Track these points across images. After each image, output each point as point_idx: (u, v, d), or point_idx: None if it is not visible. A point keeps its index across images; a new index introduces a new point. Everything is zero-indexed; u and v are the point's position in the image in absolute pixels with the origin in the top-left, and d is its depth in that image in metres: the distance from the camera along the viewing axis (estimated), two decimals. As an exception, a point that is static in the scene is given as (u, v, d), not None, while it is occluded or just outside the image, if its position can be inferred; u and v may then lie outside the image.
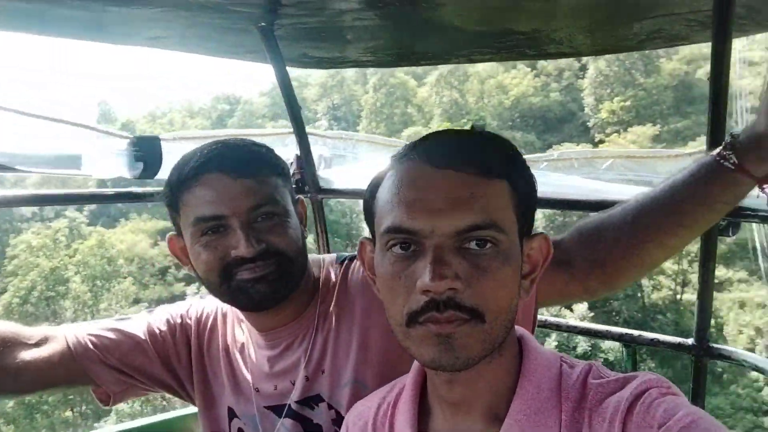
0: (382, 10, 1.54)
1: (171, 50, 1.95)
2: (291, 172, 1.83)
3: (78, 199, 1.94)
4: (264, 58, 1.91)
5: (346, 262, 1.33)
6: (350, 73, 51.02)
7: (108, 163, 1.64)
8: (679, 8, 1.48)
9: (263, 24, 1.71)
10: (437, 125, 38.83)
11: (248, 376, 1.30)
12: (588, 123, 40.77)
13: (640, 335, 1.70)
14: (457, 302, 0.75)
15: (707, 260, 1.54)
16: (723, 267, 25.81)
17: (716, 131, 1.42)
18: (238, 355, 1.33)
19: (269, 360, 1.28)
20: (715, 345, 1.55)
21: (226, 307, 1.37)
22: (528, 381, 0.83)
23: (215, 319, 1.38)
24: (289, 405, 1.26)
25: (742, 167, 0.96)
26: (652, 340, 1.67)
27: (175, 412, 1.92)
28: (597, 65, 40.45)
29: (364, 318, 1.23)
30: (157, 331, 1.35)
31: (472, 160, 0.79)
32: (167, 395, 1.49)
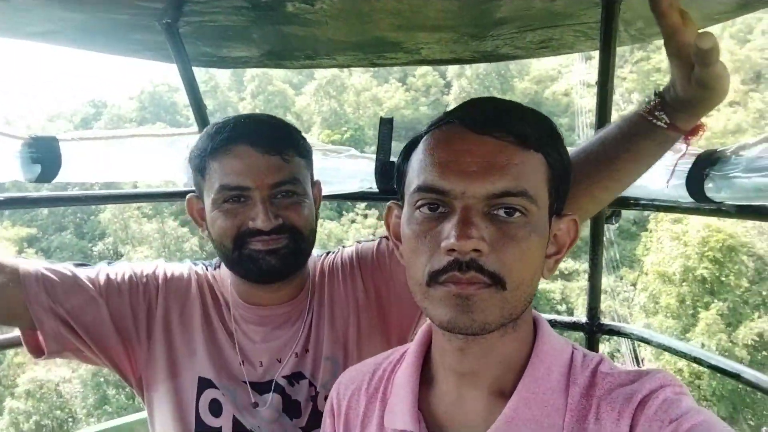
0: (288, 9, 1.50)
1: (65, 46, 1.79)
2: None
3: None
4: (166, 56, 1.80)
5: (323, 255, 1.41)
6: (224, 79, 49.57)
7: (1, 165, 1.47)
8: (569, 20, 1.58)
9: (168, 21, 1.62)
10: (318, 132, 39.03)
11: (233, 350, 1.26)
12: (453, 135, 42.61)
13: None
14: (479, 264, 0.73)
15: (596, 245, 1.66)
16: (571, 260, 27.69)
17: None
18: (221, 328, 1.28)
19: (260, 336, 1.28)
20: (605, 322, 1.68)
21: (203, 278, 1.33)
22: (540, 360, 0.82)
23: (188, 286, 1.31)
24: (276, 381, 1.25)
25: (673, 125, 1.00)
26: (549, 321, 1.77)
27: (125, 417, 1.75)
28: (460, 83, 42.46)
29: (329, 299, 1.32)
30: (116, 287, 1.24)
31: (511, 129, 0.77)
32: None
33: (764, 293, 16.84)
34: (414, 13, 1.54)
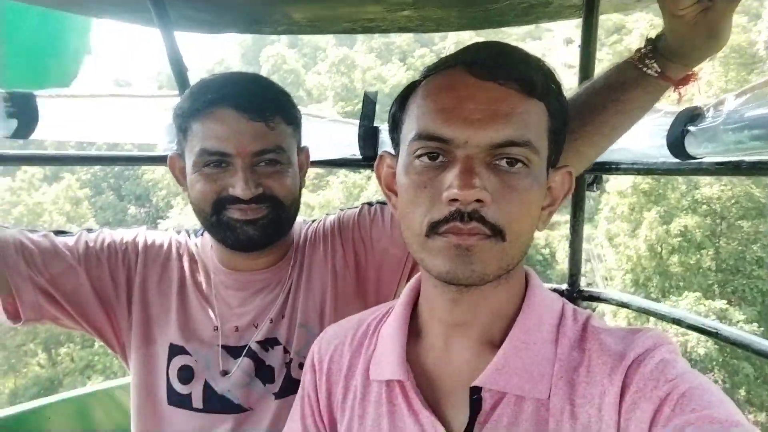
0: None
1: (33, 4, 1.66)
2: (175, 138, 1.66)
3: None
4: (147, 19, 1.68)
5: (309, 223, 1.35)
6: (235, 62, 49.51)
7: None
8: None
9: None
10: (332, 105, 40.44)
11: (208, 315, 1.20)
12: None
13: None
14: (481, 215, 0.69)
15: (577, 211, 1.58)
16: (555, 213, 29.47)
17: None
18: (194, 294, 1.23)
19: (237, 301, 1.21)
20: (586, 288, 1.61)
21: (183, 246, 1.27)
22: (531, 311, 0.78)
23: (168, 253, 1.26)
24: (249, 346, 1.19)
25: (663, 74, 0.93)
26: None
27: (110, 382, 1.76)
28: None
29: (308, 267, 1.26)
30: (95, 255, 1.19)
31: (516, 76, 0.71)
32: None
33: (690, 200, 22.72)
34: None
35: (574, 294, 1.62)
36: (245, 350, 1.19)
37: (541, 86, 0.73)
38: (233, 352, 1.20)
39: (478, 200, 0.68)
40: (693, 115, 1.12)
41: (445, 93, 0.73)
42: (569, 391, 0.73)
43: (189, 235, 1.31)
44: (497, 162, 0.71)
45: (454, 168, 0.70)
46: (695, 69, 0.94)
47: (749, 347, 1.22)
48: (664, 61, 0.92)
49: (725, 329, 1.25)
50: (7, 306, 1.13)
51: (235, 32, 1.91)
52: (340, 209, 1.36)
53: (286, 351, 1.20)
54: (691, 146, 1.14)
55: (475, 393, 0.76)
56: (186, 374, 1.19)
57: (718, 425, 0.61)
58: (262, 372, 1.19)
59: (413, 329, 0.85)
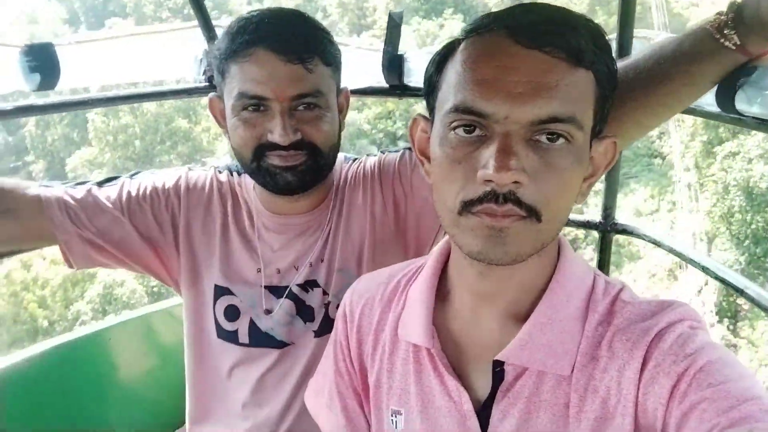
0: None
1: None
2: (202, 69, 1.60)
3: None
4: None
5: (350, 162, 1.31)
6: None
7: (5, 76, 1.38)
8: None
9: None
10: None
11: (251, 257, 1.24)
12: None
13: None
14: (518, 197, 0.65)
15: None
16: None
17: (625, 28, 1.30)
18: (237, 236, 1.25)
19: (278, 244, 1.24)
20: (619, 222, 1.54)
21: (225, 186, 1.28)
22: (560, 286, 0.76)
23: (210, 195, 1.27)
24: (290, 288, 1.22)
25: (743, 47, 0.81)
26: (562, 219, 1.64)
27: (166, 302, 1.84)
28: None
29: (347, 210, 1.24)
30: (137, 203, 1.21)
31: (564, 44, 0.65)
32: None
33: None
34: None
35: (608, 227, 1.55)
36: (286, 291, 1.23)
37: (590, 54, 0.66)
38: (276, 291, 1.23)
39: (515, 182, 0.64)
40: (749, 68, 0.97)
41: (485, 62, 0.66)
42: (592, 366, 0.72)
43: (232, 174, 1.30)
44: (537, 137, 0.65)
45: (491, 145, 0.65)
46: None
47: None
48: (747, 32, 0.80)
49: (754, 288, 1.17)
50: (63, 255, 1.21)
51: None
52: (381, 151, 1.31)
53: (324, 293, 1.23)
54: (740, 102, 1.01)
55: (498, 365, 0.76)
56: (232, 312, 1.25)
57: (734, 400, 0.60)
58: (303, 311, 1.23)
59: (441, 291, 0.84)
